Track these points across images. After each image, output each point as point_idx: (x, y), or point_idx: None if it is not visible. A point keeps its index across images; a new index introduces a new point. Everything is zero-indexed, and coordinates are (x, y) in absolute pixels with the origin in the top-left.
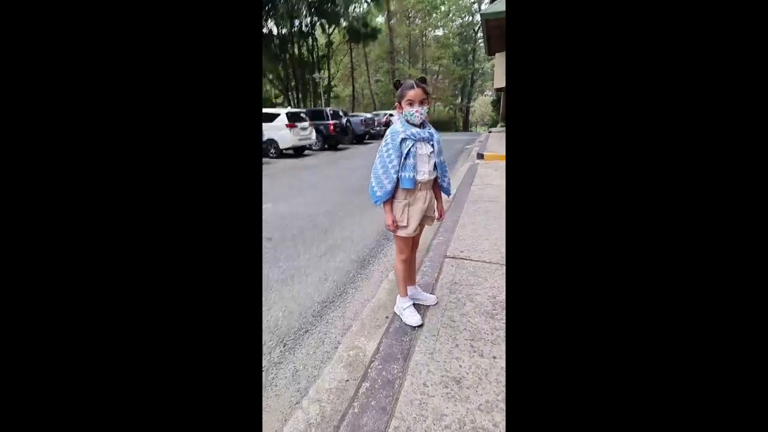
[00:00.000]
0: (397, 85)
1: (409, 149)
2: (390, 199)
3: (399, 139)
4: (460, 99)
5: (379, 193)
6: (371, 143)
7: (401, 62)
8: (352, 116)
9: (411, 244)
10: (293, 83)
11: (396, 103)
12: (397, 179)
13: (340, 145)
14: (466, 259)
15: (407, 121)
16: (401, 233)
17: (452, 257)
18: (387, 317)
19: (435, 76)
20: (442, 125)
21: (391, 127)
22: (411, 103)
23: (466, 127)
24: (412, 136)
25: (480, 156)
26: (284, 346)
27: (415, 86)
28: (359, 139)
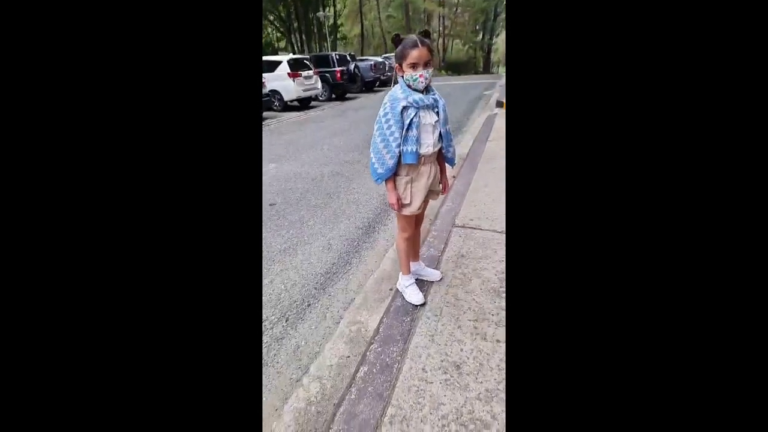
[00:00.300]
0: (397, 41)
1: (412, 119)
2: (392, 175)
3: (400, 108)
4: (481, 35)
5: (380, 171)
6: (382, 90)
7: None
8: (360, 61)
9: (414, 221)
10: (296, 24)
11: (396, 65)
12: (399, 153)
13: (348, 94)
14: (476, 229)
15: (409, 86)
16: (405, 211)
17: (461, 226)
18: (390, 289)
19: (454, 9)
20: (460, 67)
21: (389, 92)
22: (414, 66)
23: (487, 68)
24: (414, 104)
25: (499, 104)
26: (286, 321)
27: (418, 44)
28: (369, 86)
